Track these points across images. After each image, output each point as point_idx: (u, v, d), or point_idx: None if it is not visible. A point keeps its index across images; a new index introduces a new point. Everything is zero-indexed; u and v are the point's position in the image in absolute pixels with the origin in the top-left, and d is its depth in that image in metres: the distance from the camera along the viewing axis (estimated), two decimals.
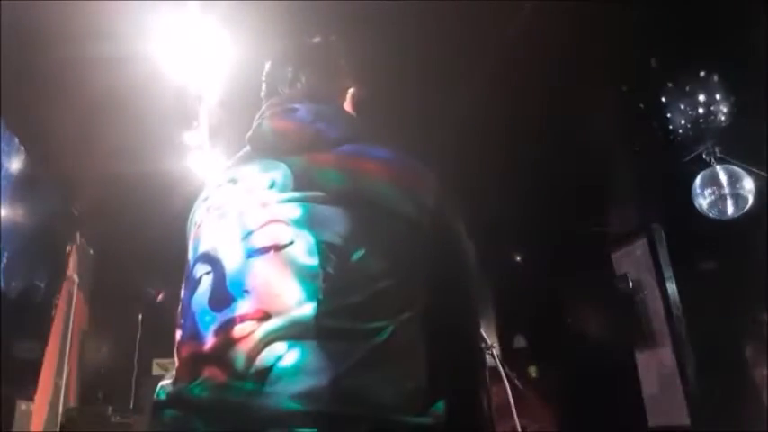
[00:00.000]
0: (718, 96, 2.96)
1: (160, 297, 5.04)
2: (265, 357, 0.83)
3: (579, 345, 4.99)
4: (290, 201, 0.94)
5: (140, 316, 5.05)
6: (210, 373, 0.87)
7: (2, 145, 2.79)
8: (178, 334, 0.98)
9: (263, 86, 1.24)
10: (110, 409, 4.04)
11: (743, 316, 3.90)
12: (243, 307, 0.88)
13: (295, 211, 0.92)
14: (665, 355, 4.34)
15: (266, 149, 1.06)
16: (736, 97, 2.96)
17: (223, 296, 0.91)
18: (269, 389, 0.81)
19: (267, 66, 1.26)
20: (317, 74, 1.19)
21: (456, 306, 1.00)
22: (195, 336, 0.92)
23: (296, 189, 0.95)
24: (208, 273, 0.95)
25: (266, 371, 0.82)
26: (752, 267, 3.54)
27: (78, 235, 4.27)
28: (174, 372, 0.96)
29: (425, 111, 3.08)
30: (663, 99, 3.02)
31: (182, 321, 0.98)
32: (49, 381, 3.81)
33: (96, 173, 3.51)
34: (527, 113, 3.10)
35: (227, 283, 0.91)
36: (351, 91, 1.22)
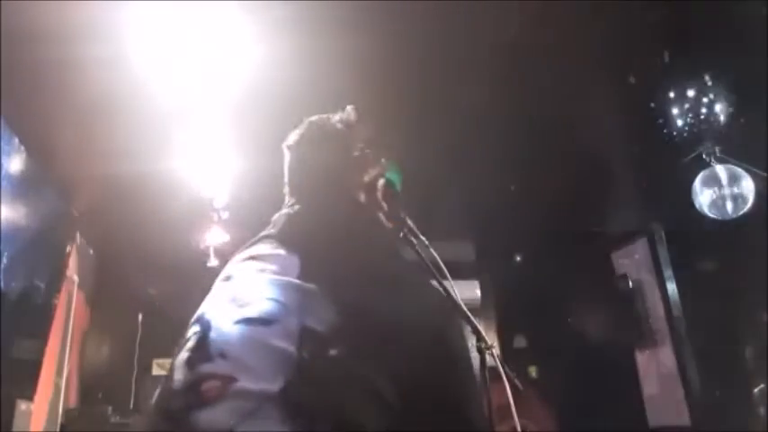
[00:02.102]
0: (718, 96, 2.97)
1: (160, 297, 5.04)
2: (223, 423, 0.85)
3: (579, 345, 4.99)
4: (288, 284, 1.01)
5: (140, 316, 5.04)
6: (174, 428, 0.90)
7: (2, 145, 2.79)
8: (158, 389, 1.02)
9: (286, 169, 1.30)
10: (110, 409, 4.04)
11: (743, 316, 3.90)
12: (215, 367, 0.92)
13: (295, 297, 0.99)
14: (665, 355, 4.35)
15: (287, 240, 1.12)
16: (736, 97, 2.97)
17: (201, 355, 0.95)
18: None
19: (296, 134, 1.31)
20: (340, 172, 1.25)
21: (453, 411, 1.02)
22: (169, 393, 0.95)
23: (298, 276, 1.02)
24: (195, 333, 1.00)
25: None
26: (752, 267, 3.54)
27: (78, 235, 4.27)
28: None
29: (425, 111, 3.08)
30: (663, 99, 3.02)
31: (166, 377, 1.02)
32: (49, 381, 3.81)
33: (96, 173, 3.51)
34: (527, 113, 3.10)
35: (208, 343, 0.96)
36: (381, 181, 1.26)
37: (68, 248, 4.03)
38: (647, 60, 2.77)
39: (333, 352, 0.93)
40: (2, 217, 2.80)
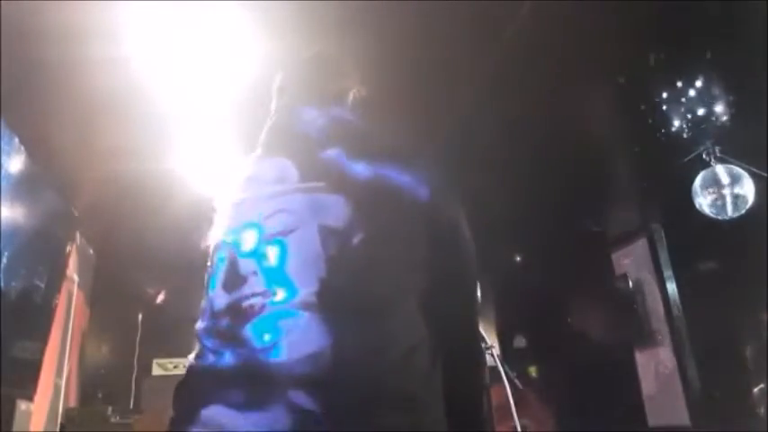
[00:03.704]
0: (717, 96, 2.97)
1: (160, 297, 5.04)
2: (273, 332, 0.92)
3: (579, 345, 4.99)
4: (296, 191, 1.04)
5: (140, 316, 5.05)
6: (226, 347, 0.96)
7: (2, 145, 2.79)
8: (200, 315, 1.07)
9: (273, 97, 1.33)
10: (110, 409, 4.04)
11: (743, 316, 3.90)
12: (251, 287, 0.98)
13: (300, 200, 1.03)
14: (665, 355, 4.34)
15: (276, 148, 1.16)
16: (736, 97, 2.97)
17: (234, 279, 1.01)
18: (277, 360, 0.89)
19: (276, 79, 1.35)
20: (318, 80, 1.29)
21: (457, 295, 1.07)
22: (212, 316, 1.02)
23: (301, 181, 1.05)
24: (222, 259, 1.06)
25: (274, 345, 0.90)
26: (752, 267, 3.54)
27: (78, 235, 4.27)
28: (196, 351, 1.05)
29: (425, 111, 3.08)
30: (663, 99, 3.02)
31: (203, 305, 1.07)
32: (49, 381, 3.80)
33: (96, 173, 3.51)
34: (527, 113, 3.10)
35: (239, 266, 1.02)
36: (353, 92, 1.29)
37: (68, 248, 4.03)
38: (648, 60, 2.77)
39: (355, 241, 0.97)
40: (2, 217, 2.80)
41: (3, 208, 2.80)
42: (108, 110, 2.84)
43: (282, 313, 0.93)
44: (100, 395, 4.64)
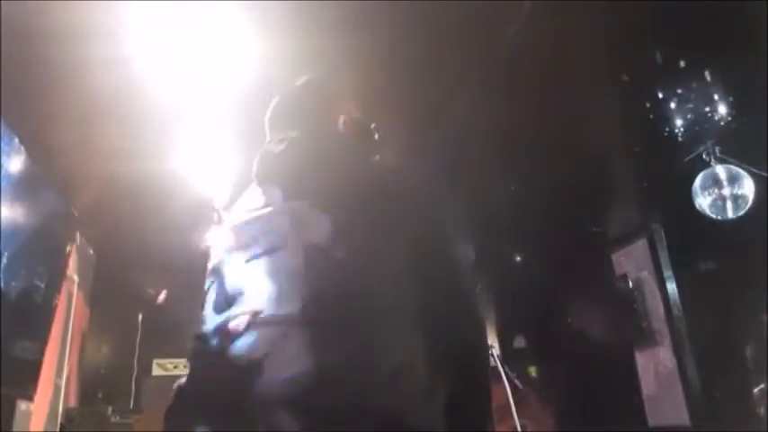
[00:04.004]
0: (718, 96, 2.96)
1: (160, 297, 5.04)
2: (256, 350, 0.92)
3: (579, 345, 4.99)
4: (281, 212, 1.07)
5: (140, 316, 5.04)
6: (215, 368, 0.98)
7: (2, 145, 2.79)
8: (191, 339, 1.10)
9: (267, 127, 1.36)
10: (110, 409, 4.04)
11: (743, 316, 3.90)
12: (238, 307, 1.00)
13: (285, 220, 1.05)
14: (665, 355, 4.34)
15: (266, 177, 1.19)
16: (736, 97, 2.96)
17: (223, 300, 1.04)
18: (261, 378, 0.89)
19: (268, 111, 1.38)
20: (309, 108, 1.32)
21: (451, 304, 1.04)
22: (203, 339, 1.04)
23: (286, 201, 1.09)
24: (212, 283, 1.10)
25: (258, 362, 0.90)
26: (752, 267, 3.54)
27: (78, 235, 4.27)
28: (187, 372, 1.07)
29: (425, 111, 3.08)
30: (663, 99, 3.02)
31: (197, 333, 1.09)
32: (49, 381, 3.80)
33: (96, 173, 3.51)
34: (527, 113, 3.10)
35: (227, 288, 1.05)
36: (343, 117, 1.32)
37: (68, 248, 4.03)
38: (648, 60, 2.77)
39: (339, 257, 0.97)
40: (2, 217, 2.80)
41: (3, 208, 2.80)
42: (108, 110, 2.84)
43: (266, 331, 0.93)
44: (100, 395, 4.64)
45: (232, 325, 0.97)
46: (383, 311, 0.95)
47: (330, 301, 0.94)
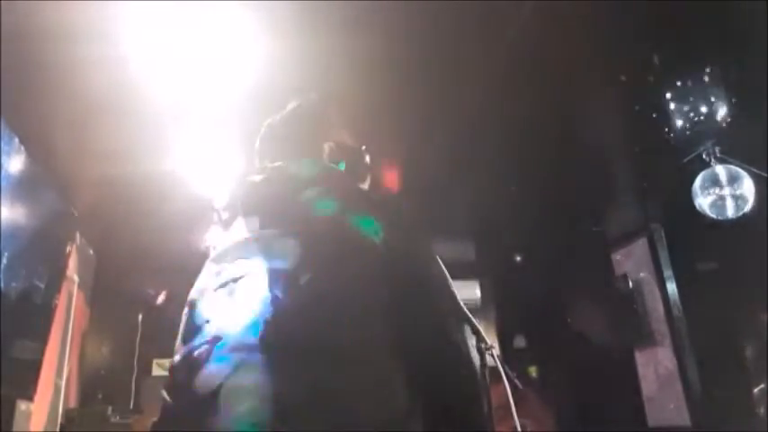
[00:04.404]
0: (718, 96, 2.96)
1: (160, 298, 5.04)
2: (216, 378, 0.90)
3: (579, 345, 4.99)
4: (253, 239, 1.09)
5: (140, 316, 5.04)
6: (182, 400, 0.96)
7: (2, 145, 2.79)
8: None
9: (256, 155, 1.39)
10: (110, 409, 4.04)
11: (743, 316, 3.90)
12: (203, 336, 0.99)
13: (254, 247, 1.07)
14: (665, 355, 4.34)
15: (246, 207, 1.20)
16: (736, 97, 2.96)
17: (191, 329, 1.04)
18: (220, 409, 0.86)
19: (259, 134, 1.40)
20: (297, 134, 1.34)
21: (427, 335, 1.01)
22: (173, 371, 1.03)
23: (261, 229, 1.11)
24: (185, 314, 1.10)
25: (216, 391, 0.88)
26: (752, 267, 3.54)
27: (78, 235, 4.27)
28: (160, 408, 1.04)
29: (425, 111, 3.08)
30: (663, 99, 3.02)
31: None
32: (49, 381, 3.80)
33: (96, 173, 3.51)
34: (527, 113, 3.10)
35: (195, 318, 1.05)
36: (329, 144, 1.32)
37: (68, 248, 4.03)
38: (647, 60, 2.77)
39: (303, 282, 0.97)
40: (2, 217, 2.80)
41: (3, 208, 2.80)
42: (108, 110, 2.84)
43: (226, 359, 0.91)
44: (100, 395, 4.64)
45: (196, 354, 0.96)
46: (349, 342, 0.92)
47: (291, 326, 0.92)
